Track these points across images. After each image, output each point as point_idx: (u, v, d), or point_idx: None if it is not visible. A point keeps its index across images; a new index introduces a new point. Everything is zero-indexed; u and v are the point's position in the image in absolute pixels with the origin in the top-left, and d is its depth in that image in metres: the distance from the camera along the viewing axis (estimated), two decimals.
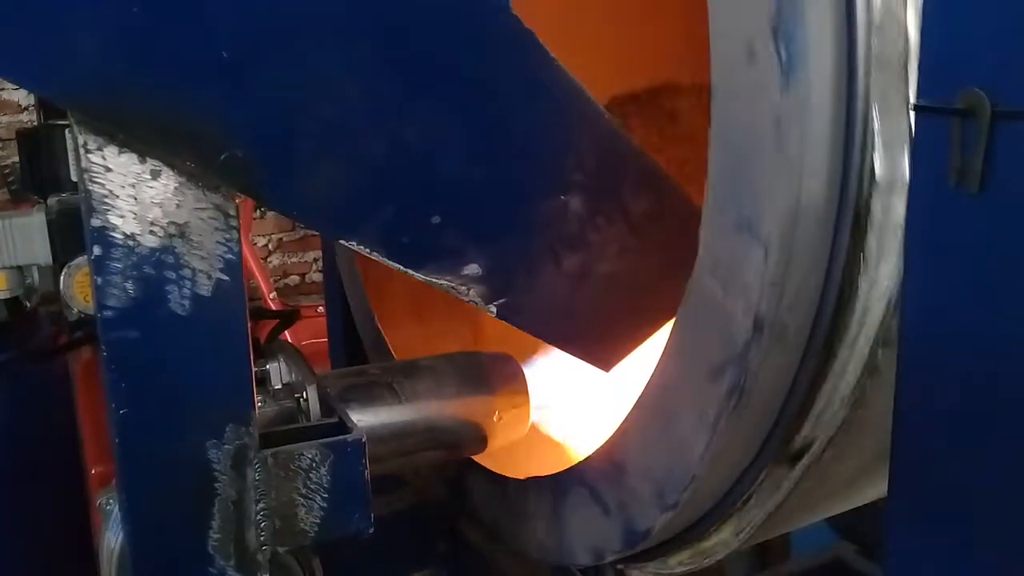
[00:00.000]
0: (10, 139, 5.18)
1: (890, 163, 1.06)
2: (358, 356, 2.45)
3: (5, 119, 5.25)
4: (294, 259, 6.19)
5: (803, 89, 1.03)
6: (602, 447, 1.46)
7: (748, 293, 1.13)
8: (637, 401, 1.37)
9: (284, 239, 6.09)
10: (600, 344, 1.51)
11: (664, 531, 1.39)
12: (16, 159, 5.04)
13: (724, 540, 1.41)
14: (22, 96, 5.21)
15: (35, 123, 5.04)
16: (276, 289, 5.64)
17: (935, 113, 0.89)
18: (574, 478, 1.53)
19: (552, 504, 1.58)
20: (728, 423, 1.19)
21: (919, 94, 0.92)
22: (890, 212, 1.07)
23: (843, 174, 1.07)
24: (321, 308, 4.92)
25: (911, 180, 0.95)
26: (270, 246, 6.06)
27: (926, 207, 0.92)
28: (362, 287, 2.24)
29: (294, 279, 6.21)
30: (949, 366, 0.92)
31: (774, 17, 1.01)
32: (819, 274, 1.12)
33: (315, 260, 6.17)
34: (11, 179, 4.94)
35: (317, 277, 6.19)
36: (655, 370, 1.33)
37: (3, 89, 5.17)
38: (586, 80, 1.26)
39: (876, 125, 1.04)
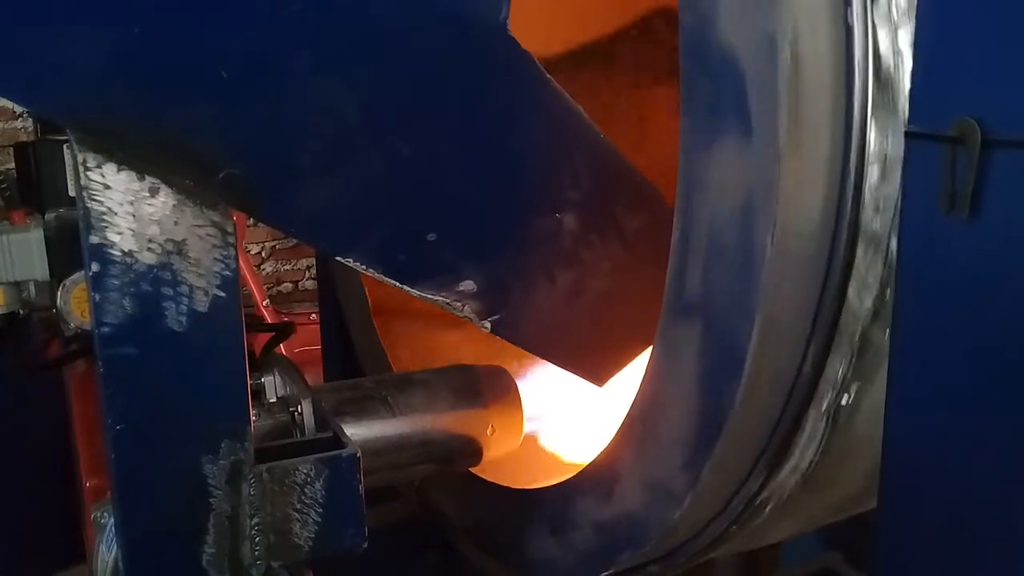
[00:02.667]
0: (5, 145, 5.17)
1: None
2: (351, 364, 2.46)
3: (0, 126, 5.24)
4: (287, 267, 6.18)
5: None
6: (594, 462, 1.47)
7: None
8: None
9: (277, 246, 6.09)
10: (593, 359, 1.52)
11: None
12: (10, 166, 5.03)
13: None
14: None
15: (30, 130, 5.05)
16: (269, 296, 5.63)
17: (927, 140, 0.90)
18: (569, 491, 1.53)
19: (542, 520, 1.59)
20: None
21: (911, 120, 0.93)
22: None
23: None
24: (314, 316, 4.92)
25: (902, 205, 0.96)
26: (263, 253, 6.06)
27: (917, 233, 0.94)
28: (361, 295, 2.24)
29: (287, 286, 6.21)
30: (938, 390, 0.93)
31: None
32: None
33: (308, 268, 6.16)
34: (4, 186, 4.92)
35: (310, 285, 6.18)
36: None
37: None
38: None
39: None
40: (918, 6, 0.93)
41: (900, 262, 0.97)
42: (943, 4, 0.90)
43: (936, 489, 0.96)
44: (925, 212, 0.91)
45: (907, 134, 0.93)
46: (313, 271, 6.12)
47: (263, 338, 1.66)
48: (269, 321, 4.78)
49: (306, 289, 6.25)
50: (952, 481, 0.94)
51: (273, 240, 6.07)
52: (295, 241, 6.05)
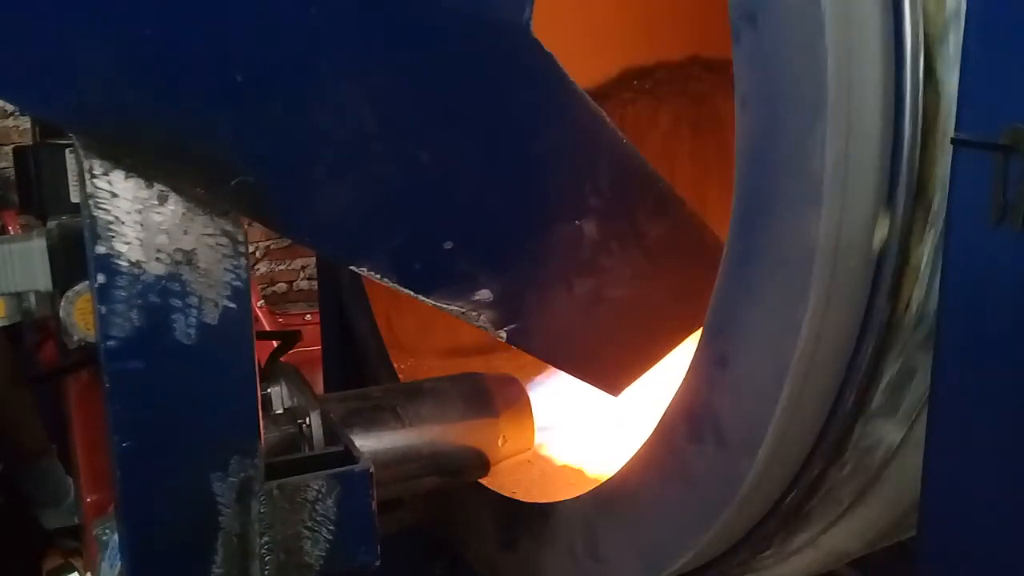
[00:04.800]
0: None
1: None
2: (353, 367, 2.41)
3: None
4: (281, 267, 6.13)
5: None
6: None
7: None
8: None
9: (272, 247, 6.03)
10: (610, 369, 1.48)
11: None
12: (3, 165, 4.96)
13: None
14: None
15: (22, 129, 4.98)
16: (263, 297, 5.58)
17: (977, 148, 0.86)
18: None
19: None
20: None
21: (960, 127, 0.89)
22: None
23: None
24: (309, 316, 4.88)
25: (949, 216, 0.92)
26: (257, 254, 6.00)
27: (965, 244, 0.90)
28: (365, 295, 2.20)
29: (281, 287, 6.16)
30: (987, 409, 0.89)
31: None
32: None
33: (303, 268, 6.12)
34: None
35: (304, 285, 6.14)
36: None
37: None
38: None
39: None
40: (967, 6, 0.89)
41: (945, 274, 0.93)
42: (993, 4, 0.86)
43: (980, 510, 0.92)
44: (973, 224, 0.88)
45: (955, 141, 0.89)
46: (307, 271, 6.08)
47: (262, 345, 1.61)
48: (264, 323, 4.74)
49: (300, 289, 6.20)
50: (997, 500, 0.91)
51: (267, 240, 6.01)
52: (289, 242, 5.99)
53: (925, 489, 0.96)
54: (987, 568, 0.94)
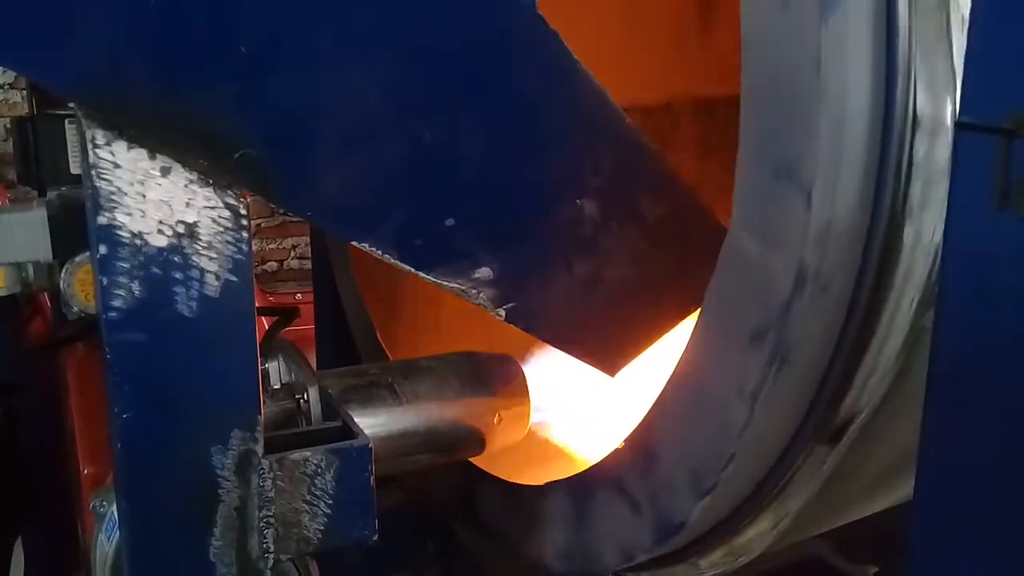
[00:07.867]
0: None
1: (932, 104, 1.08)
2: (346, 345, 2.41)
3: None
4: (272, 245, 6.13)
5: (841, 26, 1.03)
6: (629, 437, 1.42)
7: (789, 246, 1.11)
8: (668, 382, 1.34)
9: (263, 225, 6.02)
10: (607, 349, 1.49)
11: (698, 523, 1.35)
12: None
13: (760, 534, 1.37)
14: None
15: (10, 101, 4.95)
16: (254, 276, 5.56)
17: (980, 131, 0.86)
18: (599, 476, 1.49)
19: (574, 507, 1.55)
20: (770, 393, 1.17)
21: (963, 111, 0.90)
22: (933, 157, 1.09)
23: (885, 116, 1.07)
24: (299, 295, 4.88)
25: (950, 199, 0.93)
26: None
27: (966, 228, 0.90)
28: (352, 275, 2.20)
29: (272, 266, 6.15)
30: (986, 400, 0.90)
31: None
32: (863, 224, 1.12)
33: (293, 247, 6.11)
34: None
35: (295, 264, 6.13)
36: (687, 346, 1.30)
37: None
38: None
39: (918, 63, 1.06)
40: None
41: (945, 259, 0.93)
42: None
43: (976, 501, 0.93)
44: (975, 207, 0.88)
45: (958, 124, 0.90)
46: (298, 250, 6.07)
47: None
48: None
49: (291, 268, 6.20)
50: (995, 489, 0.91)
51: (258, 219, 6.00)
52: (280, 220, 5.99)
53: (919, 482, 0.97)
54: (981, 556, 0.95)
